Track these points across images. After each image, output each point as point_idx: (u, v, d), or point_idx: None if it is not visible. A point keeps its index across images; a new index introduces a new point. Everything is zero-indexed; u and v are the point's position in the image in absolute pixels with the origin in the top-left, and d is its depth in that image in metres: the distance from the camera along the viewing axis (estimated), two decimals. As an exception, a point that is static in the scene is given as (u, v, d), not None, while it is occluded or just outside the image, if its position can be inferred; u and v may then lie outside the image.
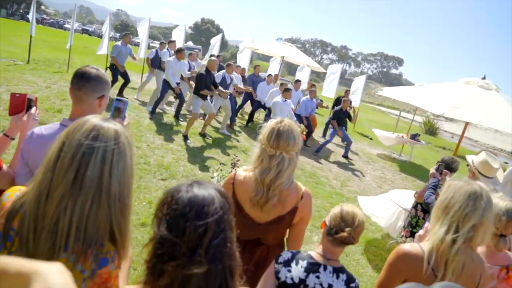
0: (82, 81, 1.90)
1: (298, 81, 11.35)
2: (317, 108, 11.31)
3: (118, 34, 49.33)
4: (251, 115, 11.05)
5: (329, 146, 11.32)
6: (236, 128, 10.34)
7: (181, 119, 9.30)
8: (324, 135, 12.30)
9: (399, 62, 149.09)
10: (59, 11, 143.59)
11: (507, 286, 1.92)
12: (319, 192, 6.80)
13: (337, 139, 11.93)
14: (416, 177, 9.92)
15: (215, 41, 14.18)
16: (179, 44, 13.44)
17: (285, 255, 1.70)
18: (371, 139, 14.71)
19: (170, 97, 10.20)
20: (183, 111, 10.04)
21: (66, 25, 52.61)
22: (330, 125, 10.00)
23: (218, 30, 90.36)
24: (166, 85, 8.68)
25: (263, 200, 1.90)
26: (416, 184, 9.23)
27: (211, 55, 12.29)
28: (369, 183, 8.45)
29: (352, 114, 10.65)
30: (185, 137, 7.65)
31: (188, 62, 10.42)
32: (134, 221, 4.30)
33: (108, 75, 2.09)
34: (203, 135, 8.23)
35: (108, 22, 13.07)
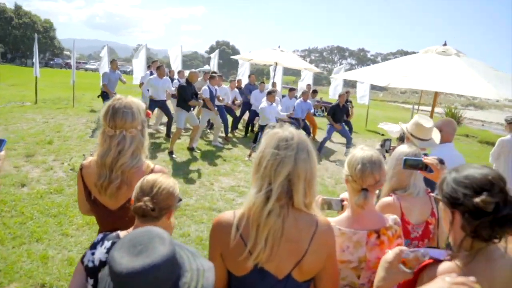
0: None
1: (292, 89, 11.09)
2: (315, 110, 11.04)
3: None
4: (248, 125, 10.90)
5: (332, 146, 10.98)
6: (234, 139, 10.25)
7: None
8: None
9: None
10: (83, 54, 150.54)
11: (381, 253, 1.61)
12: (306, 192, 6.49)
13: (340, 140, 11.56)
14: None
15: (213, 57, 14.30)
16: (177, 65, 13.65)
17: (97, 237, 1.51)
18: (382, 135, 14.20)
19: (165, 118, 10.21)
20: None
21: (88, 66, 55.06)
22: (328, 123, 9.67)
23: (234, 51, 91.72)
24: (152, 104, 8.74)
25: (106, 183, 1.78)
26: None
27: (212, 72, 12.37)
28: (369, 178, 8.04)
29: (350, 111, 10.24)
30: (171, 153, 7.58)
31: (178, 80, 10.48)
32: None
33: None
34: (191, 149, 8.13)
35: (107, 55, 13.47)
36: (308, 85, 11.49)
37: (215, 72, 10.53)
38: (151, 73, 9.63)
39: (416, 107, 17.48)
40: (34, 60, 13.46)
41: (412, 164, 2.10)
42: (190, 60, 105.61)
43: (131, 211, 1.47)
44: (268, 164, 1.34)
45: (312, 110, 10.40)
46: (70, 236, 4.21)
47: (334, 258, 1.47)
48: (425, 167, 2.07)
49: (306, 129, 10.02)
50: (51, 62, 54.30)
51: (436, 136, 3.10)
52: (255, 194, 1.36)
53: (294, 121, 9.59)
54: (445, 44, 4.44)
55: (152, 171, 1.85)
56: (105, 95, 9.82)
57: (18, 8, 55.40)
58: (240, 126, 11.88)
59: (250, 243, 1.34)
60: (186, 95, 7.58)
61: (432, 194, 2.39)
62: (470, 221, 1.21)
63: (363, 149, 1.72)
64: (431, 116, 4.62)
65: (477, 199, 1.18)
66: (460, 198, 1.23)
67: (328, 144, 10.80)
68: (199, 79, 11.14)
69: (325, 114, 17.96)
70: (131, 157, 1.80)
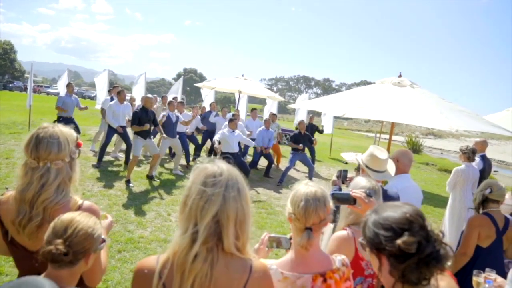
0: None
1: (254, 109, 11.17)
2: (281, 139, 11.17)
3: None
4: (210, 152, 10.73)
5: (295, 174, 10.95)
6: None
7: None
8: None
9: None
10: (47, 78, 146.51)
11: None
12: (267, 222, 6.35)
13: (304, 168, 11.59)
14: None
15: (177, 86, 14.23)
16: (141, 92, 13.43)
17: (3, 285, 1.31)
18: (346, 163, 14.36)
19: (124, 145, 9.89)
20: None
21: (50, 90, 53.47)
22: (290, 151, 9.68)
23: (201, 78, 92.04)
24: (111, 130, 8.47)
25: (25, 221, 1.57)
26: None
27: (173, 97, 12.20)
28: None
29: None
30: (128, 182, 7.26)
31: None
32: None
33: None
34: (150, 177, 7.84)
35: (66, 79, 13.12)
36: (271, 113, 11.59)
37: (175, 98, 10.39)
38: (112, 99, 9.35)
39: (378, 135, 17.92)
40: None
41: (340, 198, 2.03)
42: (157, 86, 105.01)
43: (39, 256, 1.28)
44: (193, 203, 1.21)
45: (274, 141, 10.34)
46: (5, 274, 3.83)
47: None
48: (354, 201, 2.00)
49: (269, 157, 9.95)
50: (11, 84, 52.37)
51: (391, 167, 3.07)
52: (179, 236, 1.22)
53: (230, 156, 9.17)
54: (400, 76, 4.53)
55: (79, 207, 1.66)
56: (60, 121, 9.43)
57: (-24, 29, 53.62)
58: (202, 153, 11.70)
59: None
60: (133, 121, 7.35)
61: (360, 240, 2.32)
62: (396, 265, 1.13)
63: (308, 184, 1.61)
64: (389, 146, 4.66)
65: (398, 241, 1.11)
66: (382, 242, 1.16)
67: (292, 173, 10.78)
68: (158, 104, 10.96)
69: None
70: (56, 192, 1.62)
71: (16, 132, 12.05)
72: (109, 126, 8.56)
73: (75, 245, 1.30)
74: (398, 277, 1.13)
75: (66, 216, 1.37)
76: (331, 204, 1.59)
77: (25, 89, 49.30)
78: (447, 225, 5.57)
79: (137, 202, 6.43)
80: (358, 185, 2.31)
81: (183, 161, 9.74)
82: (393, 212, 1.18)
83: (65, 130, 1.71)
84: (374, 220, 1.21)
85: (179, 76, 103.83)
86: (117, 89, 9.26)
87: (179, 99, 12.30)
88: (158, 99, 12.57)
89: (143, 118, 7.30)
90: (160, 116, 8.27)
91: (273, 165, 11.00)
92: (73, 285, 1.32)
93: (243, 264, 1.25)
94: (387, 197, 2.92)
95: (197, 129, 11.51)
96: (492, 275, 2.37)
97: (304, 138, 9.56)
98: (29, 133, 1.68)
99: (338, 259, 1.62)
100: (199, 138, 11.29)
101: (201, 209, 1.19)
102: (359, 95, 4.47)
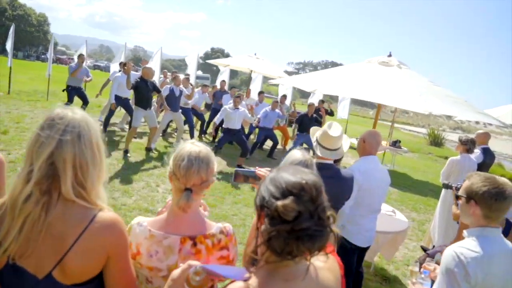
0: None
1: (261, 92, 11.07)
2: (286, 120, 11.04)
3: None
4: (217, 129, 10.69)
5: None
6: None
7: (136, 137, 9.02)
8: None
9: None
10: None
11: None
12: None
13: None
14: (396, 187, 9.08)
15: (190, 60, 14.13)
16: (156, 68, 13.43)
17: None
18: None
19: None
20: (144, 128, 9.82)
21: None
22: (296, 133, 9.56)
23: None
24: (116, 101, 8.54)
25: None
26: (394, 192, 8.49)
27: (185, 74, 12.18)
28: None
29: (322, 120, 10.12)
30: (125, 152, 7.35)
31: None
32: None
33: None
34: (148, 149, 7.91)
35: (85, 50, 13.30)
36: (283, 96, 11.45)
37: (187, 75, 10.40)
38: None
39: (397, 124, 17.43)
40: (8, 49, 13.17)
41: (244, 175, 1.96)
42: (184, 64, 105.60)
43: None
44: (29, 146, 1.21)
45: (283, 121, 10.18)
46: None
47: (122, 263, 1.29)
48: (258, 180, 1.91)
49: (273, 138, 9.83)
50: (43, 56, 53.78)
51: (346, 145, 2.94)
52: (17, 177, 1.20)
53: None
54: (390, 55, 4.33)
55: None
56: (69, 90, 9.62)
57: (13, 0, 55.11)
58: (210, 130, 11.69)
59: (2, 233, 1.16)
60: (137, 94, 7.45)
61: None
62: (268, 227, 1.02)
63: (194, 143, 1.53)
64: (374, 127, 4.49)
65: (279, 203, 1.00)
66: (266, 197, 1.05)
67: (297, 155, 10.64)
68: (168, 79, 10.96)
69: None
70: None
71: (34, 100, 12.43)
72: (115, 98, 8.63)
73: None
74: (264, 239, 1.03)
75: None
76: (215, 166, 1.51)
77: (57, 61, 50.54)
78: (437, 217, 5.36)
79: (129, 171, 6.51)
80: (291, 157, 2.23)
81: (187, 136, 9.78)
82: (292, 174, 1.07)
83: None
84: (271, 176, 1.11)
85: (206, 55, 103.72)
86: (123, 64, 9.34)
87: (194, 75, 12.33)
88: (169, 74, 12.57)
89: (141, 87, 7.31)
90: (163, 89, 8.28)
91: (280, 147, 10.90)
92: None
93: (85, 213, 1.22)
94: (340, 177, 2.80)
95: (206, 106, 11.50)
96: (432, 264, 2.25)
97: (310, 121, 9.38)
98: None
99: (218, 226, 1.53)
100: (207, 116, 11.28)
101: (36, 152, 1.18)
102: (339, 73, 4.30)
